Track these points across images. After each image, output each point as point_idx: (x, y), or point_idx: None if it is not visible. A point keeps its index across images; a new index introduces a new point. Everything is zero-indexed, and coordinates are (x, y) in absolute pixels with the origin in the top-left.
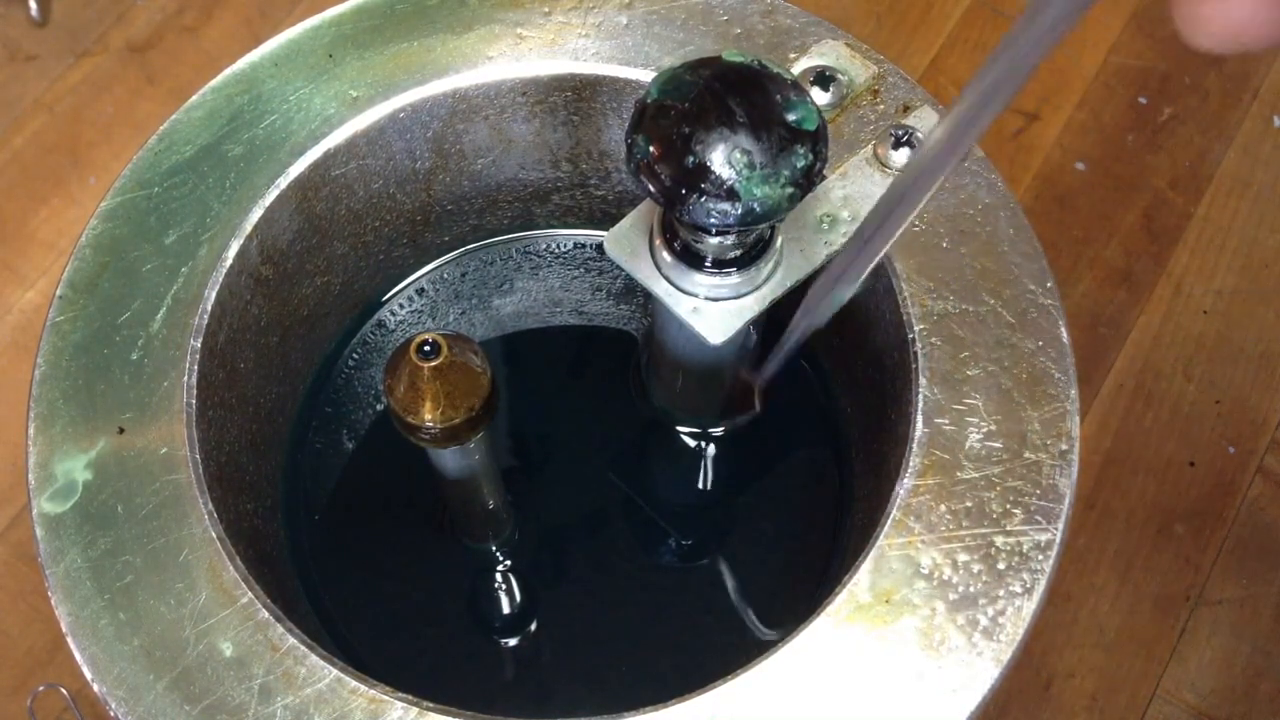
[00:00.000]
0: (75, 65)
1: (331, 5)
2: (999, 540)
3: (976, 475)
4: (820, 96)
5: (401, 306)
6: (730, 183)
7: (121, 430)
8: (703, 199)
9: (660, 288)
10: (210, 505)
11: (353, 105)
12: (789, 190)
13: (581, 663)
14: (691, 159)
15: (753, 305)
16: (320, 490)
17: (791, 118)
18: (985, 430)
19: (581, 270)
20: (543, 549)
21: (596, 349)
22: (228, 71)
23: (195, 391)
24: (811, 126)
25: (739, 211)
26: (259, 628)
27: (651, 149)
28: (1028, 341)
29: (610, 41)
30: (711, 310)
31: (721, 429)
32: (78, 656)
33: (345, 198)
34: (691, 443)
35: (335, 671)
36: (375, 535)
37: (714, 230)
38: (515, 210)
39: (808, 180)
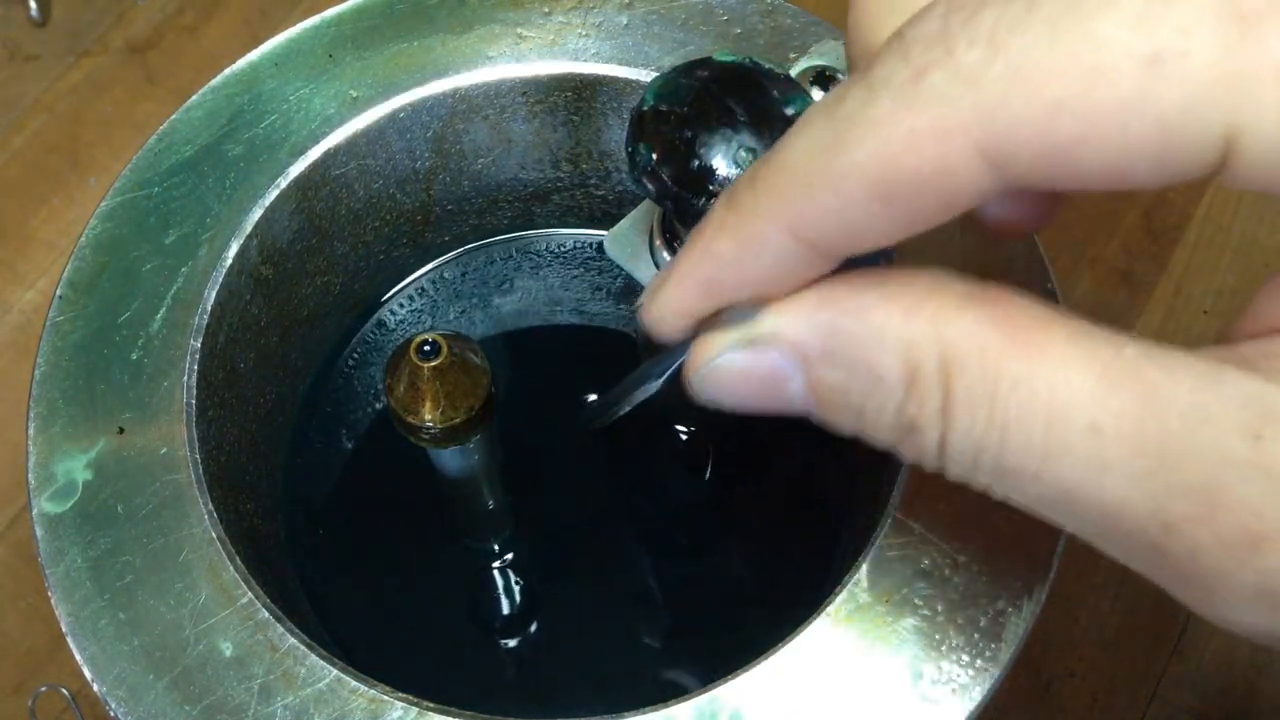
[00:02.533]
0: (75, 65)
1: (331, 5)
2: (999, 540)
3: None
4: (820, 96)
5: (401, 306)
6: None
7: (121, 430)
8: (711, 200)
9: None
10: (210, 505)
11: (353, 105)
12: None
13: (582, 662)
14: (696, 162)
15: None
16: (320, 490)
17: (790, 111)
18: None
19: (582, 270)
20: (543, 549)
21: (597, 349)
22: (228, 71)
23: (195, 391)
24: None
25: None
26: (259, 628)
27: (654, 156)
28: None
29: (610, 41)
30: None
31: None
32: (78, 656)
33: (345, 198)
34: (691, 443)
35: (335, 671)
36: (375, 535)
37: None
38: (515, 210)
39: None
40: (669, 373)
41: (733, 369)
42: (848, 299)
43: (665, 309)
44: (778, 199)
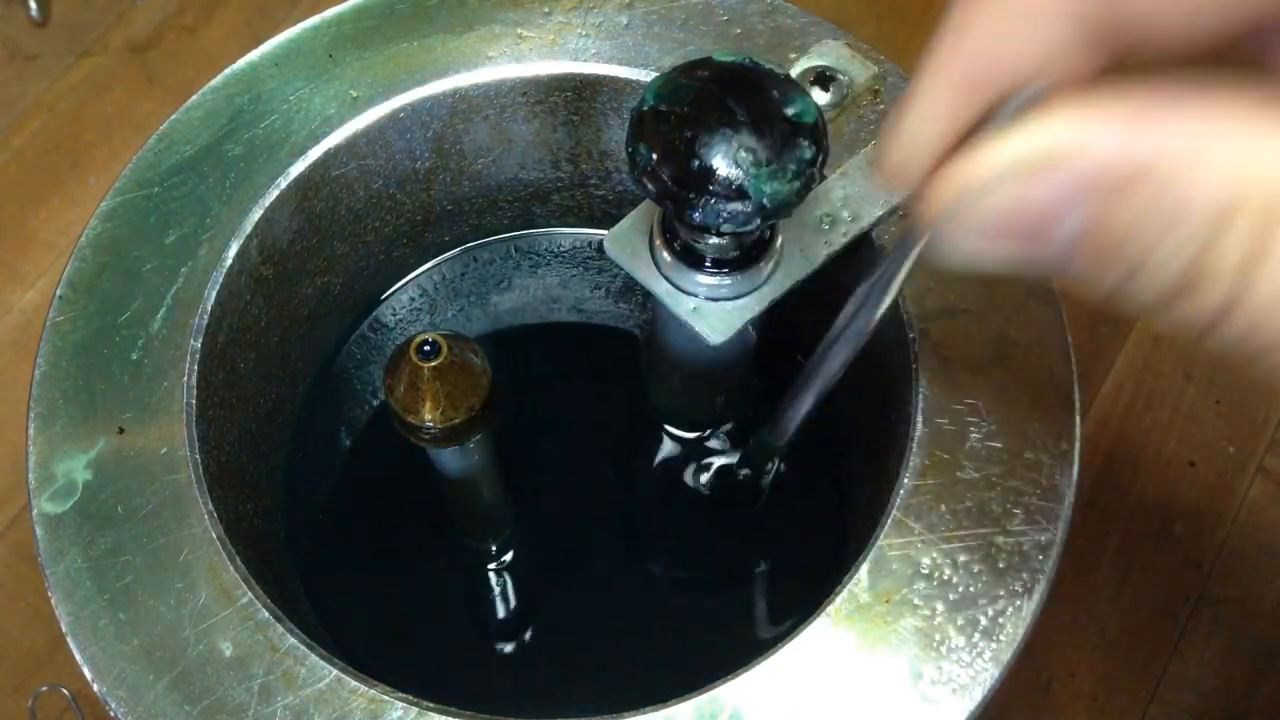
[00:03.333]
0: (75, 65)
1: (331, 5)
2: (999, 540)
3: (976, 475)
4: (820, 96)
5: (401, 306)
6: (738, 182)
7: (121, 430)
8: (712, 200)
9: (660, 288)
10: (210, 505)
11: (353, 105)
12: (795, 184)
13: (581, 662)
14: (697, 162)
15: (753, 305)
16: (320, 490)
17: (790, 112)
18: (985, 430)
19: (581, 270)
20: (543, 548)
21: (597, 349)
22: (228, 71)
23: (195, 391)
24: (811, 119)
25: (749, 209)
26: (259, 628)
27: (654, 156)
28: (1028, 341)
29: (610, 41)
30: (711, 310)
31: (721, 429)
32: (78, 656)
33: (345, 198)
34: (692, 444)
35: (335, 671)
36: (375, 535)
37: (725, 231)
38: (515, 210)
39: (813, 173)
40: (888, 280)
41: (996, 205)
42: (1171, 107)
43: (916, 130)
44: None
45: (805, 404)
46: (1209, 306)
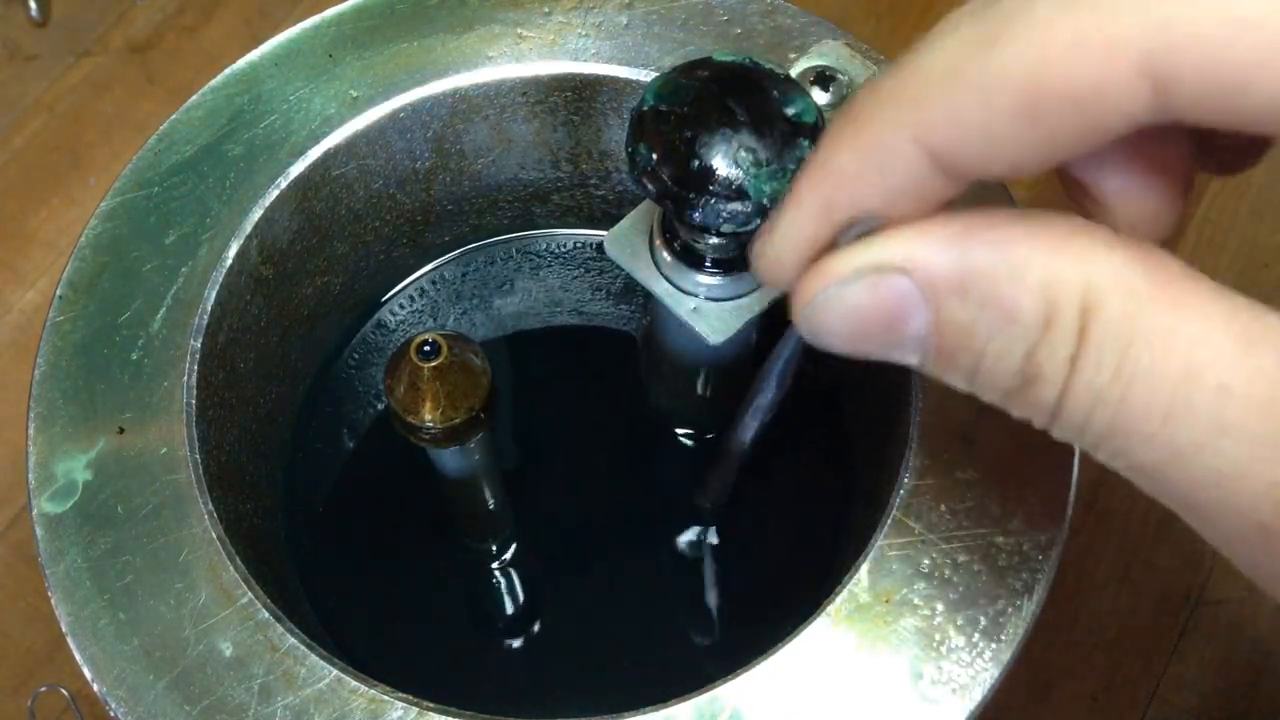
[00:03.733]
0: (75, 65)
1: (331, 5)
2: (999, 540)
3: (976, 475)
4: (820, 96)
5: (402, 306)
6: (738, 182)
7: (121, 430)
8: (712, 200)
9: (660, 288)
10: (210, 505)
11: (353, 105)
12: None
13: (582, 662)
14: (696, 162)
15: (753, 305)
16: (320, 490)
17: (790, 112)
18: (985, 430)
19: (581, 270)
20: (543, 549)
21: (597, 348)
22: (228, 71)
23: (195, 391)
24: (811, 119)
25: (749, 209)
26: (259, 628)
27: (654, 156)
28: None
29: (610, 41)
30: (711, 310)
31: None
32: (78, 656)
33: (345, 198)
34: (691, 444)
35: (335, 671)
36: (375, 535)
37: (725, 231)
38: (515, 210)
39: None
40: (782, 369)
41: (850, 301)
42: (988, 230)
43: (782, 241)
44: (909, 103)
45: (728, 474)
46: (1048, 399)
